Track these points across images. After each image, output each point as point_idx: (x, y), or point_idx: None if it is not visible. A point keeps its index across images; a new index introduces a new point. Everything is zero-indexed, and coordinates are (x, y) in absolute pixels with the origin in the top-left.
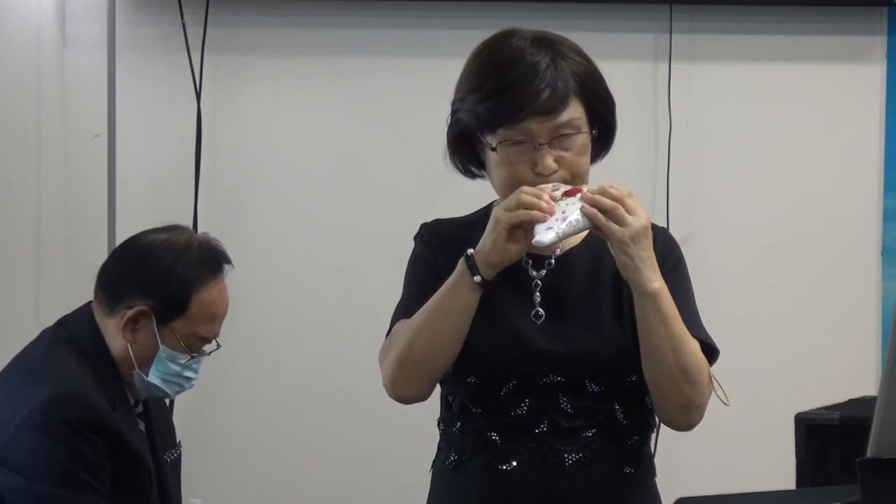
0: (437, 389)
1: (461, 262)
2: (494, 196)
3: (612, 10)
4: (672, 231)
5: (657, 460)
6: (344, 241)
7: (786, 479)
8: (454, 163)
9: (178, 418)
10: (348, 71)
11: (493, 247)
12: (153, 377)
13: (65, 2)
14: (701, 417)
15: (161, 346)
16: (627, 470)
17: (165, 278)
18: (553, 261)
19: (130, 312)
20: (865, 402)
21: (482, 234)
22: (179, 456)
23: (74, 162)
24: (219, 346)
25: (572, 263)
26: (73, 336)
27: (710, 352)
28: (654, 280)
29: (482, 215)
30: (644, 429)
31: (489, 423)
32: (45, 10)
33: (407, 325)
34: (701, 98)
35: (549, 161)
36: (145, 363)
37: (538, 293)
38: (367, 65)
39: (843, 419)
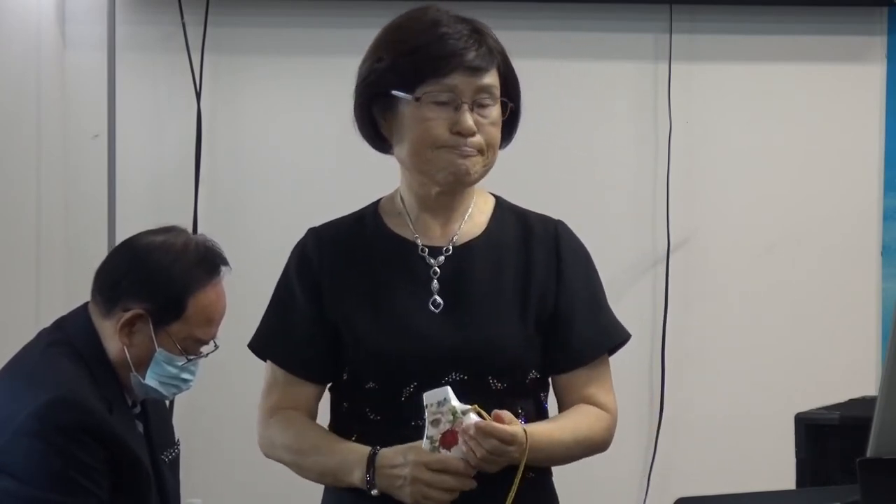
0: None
1: (364, 464)
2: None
3: (612, 10)
4: (672, 231)
5: (657, 460)
6: None
7: (786, 479)
8: (363, 131)
9: (177, 418)
10: (348, 71)
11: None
12: (150, 379)
13: (65, 2)
14: (612, 439)
15: (157, 349)
16: (530, 475)
17: (163, 281)
18: (451, 248)
19: (127, 315)
20: (865, 402)
21: (371, 231)
22: (178, 455)
23: (74, 162)
24: (216, 347)
25: (471, 253)
26: (69, 338)
27: (620, 345)
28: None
29: (372, 210)
30: None
31: (391, 434)
32: (45, 10)
33: (293, 448)
34: (701, 98)
35: (471, 121)
36: (142, 365)
37: (437, 281)
38: None
39: (843, 419)
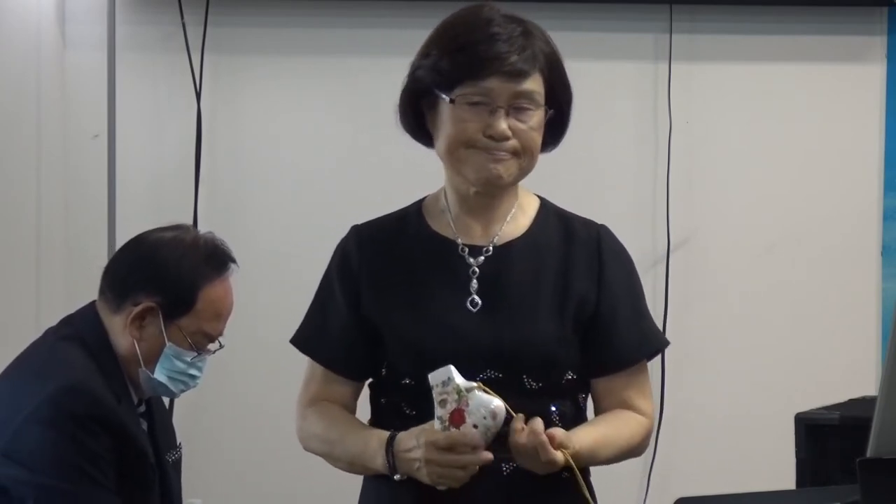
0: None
1: (383, 449)
2: None
3: (612, 10)
4: (672, 231)
5: (657, 460)
6: None
7: (786, 479)
8: (405, 122)
9: (178, 418)
10: (348, 71)
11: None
12: (159, 374)
13: (65, 2)
14: (647, 446)
15: (167, 343)
16: (565, 475)
17: (173, 274)
18: (491, 248)
19: (137, 309)
20: (865, 402)
21: (413, 229)
22: (180, 458)
23: (74, 162)
24: (222, 346)
25: (512, 254)
26: (78, 334)
27: (658, 350)
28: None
29: (415, 209)
30: None
31: None
32: (45, 10)
33: (324, 438)
34: (701, 98)
35: (504, 125)
36: (151, 361)
37: (476, 280)
38: (367, 65)
39: (843, 419)
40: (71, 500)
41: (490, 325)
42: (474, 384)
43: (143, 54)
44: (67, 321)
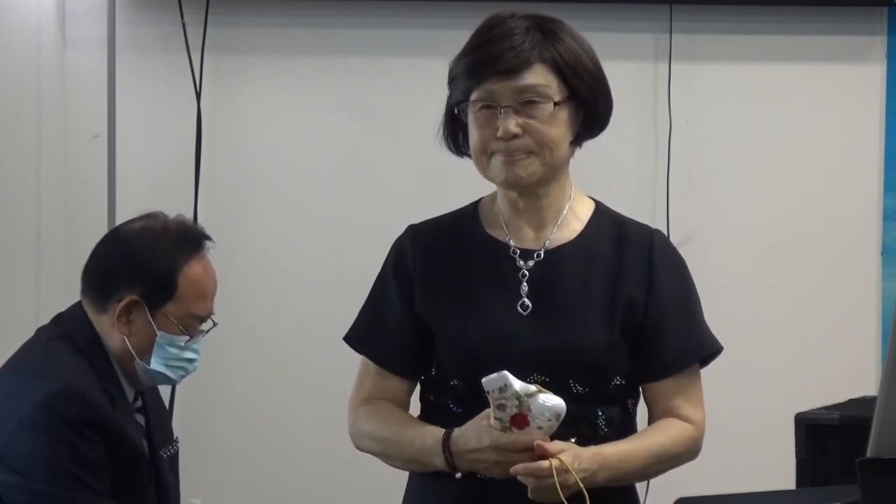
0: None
1: (440, 448)
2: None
3: (612, 10)
4: (672, 231)
5: None
6: (344, 241)
7: (786, 479)
8: (444, 136)
9: (177, 419)
10: (348, 71)
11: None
12: (155, 364)
13: (65, 2)
14: (699, 450)
15: (158, 332)
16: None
17: (149, 264)
18: (542, 253)
19: (122, 304)
20: (865, 402)
21: (468, 231)
22: (177, 452)
23: (74, 162)
24: (215, 324)
25: (563, 258)
26: (68, 333)
27: (712, 356)
28: (592, 477)
29: (472, 210)
30: (625, 437)
31: None
32: (45, 10)
33: (377, 437)
34: (701, 98)
35: (509, 125)
36: (145, 352)
37: (526, 283)
38: (367, 65)
39: (843, 419)
40: None
41: (538, 329)
42: (533, 388)
43: (143, 54)
44: (58, 320)
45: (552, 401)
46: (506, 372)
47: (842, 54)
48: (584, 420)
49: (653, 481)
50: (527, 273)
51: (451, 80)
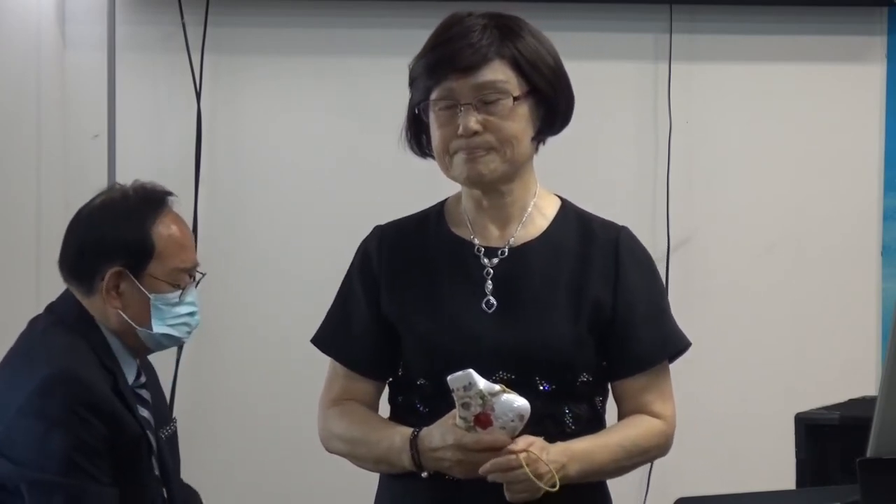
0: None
1: (408, 447)
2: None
3: (612, 10)
4: (672, 231)
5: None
6: (344, 241)
7: (786, 479)
8: (406, 139)
9: (177, 418)
10: (348, 71)
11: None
12: (158, 327)
13: (65, 2)
14: (670, 446)
15: (151, 295)
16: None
17: (120, 233)
18: (506, 250)
19: (107, 278)
20: (865, 402)
21: (433, 230)
22: (175, 432)
23: (74, 162)
24: (203, 274)
25: (527, 256)
26: (61, 318)
27: (680, 352)
28: (562, 470)
29: (437, 210)
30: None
31: None
32: (45, 10)
33: (346, 438)
34: (701, 98)
35: (469, 122)
36: (145, 319)
37: (490, 281)
38: (367, 65)
39: (843, 419)
40: (64, 494)
41: (503, 327)
42: (497, 387)
43: (143, 54)
44: (49, 309)
45: (517, 401)
46: (471, 370)
47: (842, 54)
48: (551, 418)
49: (653, 481)
50: (491, 271)
51: (412, 81)
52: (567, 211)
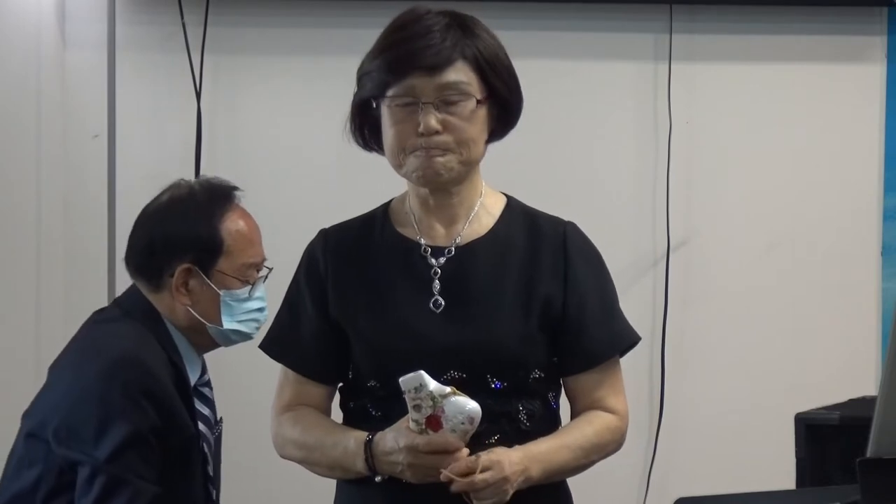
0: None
1: (362, 451)
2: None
3: (612, 10)
4: (672, 231)
5: (657, 460)
6: None
7: (786, 479)
8: (351, 131)
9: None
10: (348, 71)
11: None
12: (228, 323)
13: (65, 2)
14: (623, 440)
15: (220, 292)
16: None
17: (189, 229)
18: (453, 249)
19: (176, 275)
20: (865, 402)
21: (379, 231)
22: (220, 434)
23: (74, 162)
24: (270, 269)
25: (474, 254)
26: (129, 312)
27: (630, 346)
28: (525, 473)
29: (382, 210)
30: (548, 432)
31: None
32: (45, 10)
33: (300, 443)
34: (701, 98)
35: (430, 120)
36: (214, 315)
37: (437, 281)
38: None
39: (843, 419)
40: (104, 479)
41: (452, 326)
42: (447, 389)
43: (143, 54)
44: (116, 303)
45: (468, 405)
46: (422, 372)
47: (842, 54)
48: (506, 416)
49: (653, 481)
50: (438, 270)
51: (364, 75)
52: (513, 208)
